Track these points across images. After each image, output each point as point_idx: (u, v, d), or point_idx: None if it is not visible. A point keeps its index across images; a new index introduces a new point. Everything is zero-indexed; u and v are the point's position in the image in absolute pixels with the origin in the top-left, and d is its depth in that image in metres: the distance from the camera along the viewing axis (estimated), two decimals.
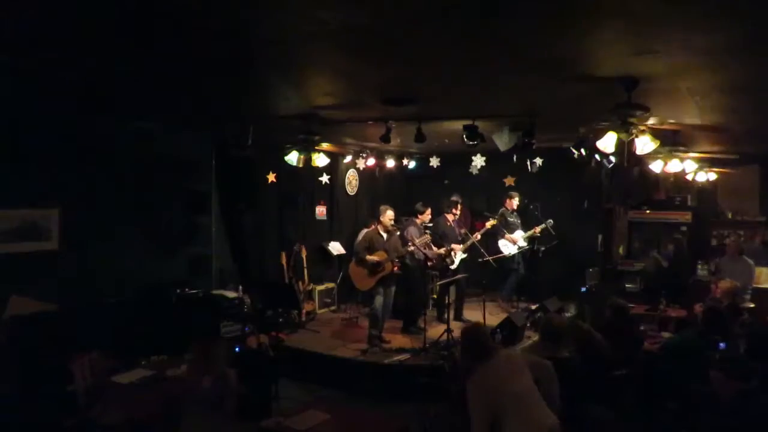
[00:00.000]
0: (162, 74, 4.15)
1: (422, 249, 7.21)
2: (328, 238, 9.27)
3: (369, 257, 6.67)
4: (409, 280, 7.56)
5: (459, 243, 7.73)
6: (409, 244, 7.02)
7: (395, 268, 7.04)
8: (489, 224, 8.01)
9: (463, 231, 7.97)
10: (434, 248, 7.58)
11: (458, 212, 8.09)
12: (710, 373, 4.20)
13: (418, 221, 7.55)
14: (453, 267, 7.66)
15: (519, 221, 8.60)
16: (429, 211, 7.62)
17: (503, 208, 8.57)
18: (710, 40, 3.04)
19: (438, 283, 8.21)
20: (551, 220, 8.25)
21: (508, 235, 8.33)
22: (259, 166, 7.75)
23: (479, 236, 7.89)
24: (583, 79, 3.91)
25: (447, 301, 7.23)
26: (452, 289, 7.65)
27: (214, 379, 3.29)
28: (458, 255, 7.69)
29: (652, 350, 5.02)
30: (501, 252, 8.33)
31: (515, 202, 8.60)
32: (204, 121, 6.51)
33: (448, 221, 7.95)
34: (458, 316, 7.89)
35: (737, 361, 4.37)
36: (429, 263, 7.53)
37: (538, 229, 8.32)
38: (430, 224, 8.17)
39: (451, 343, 6.44)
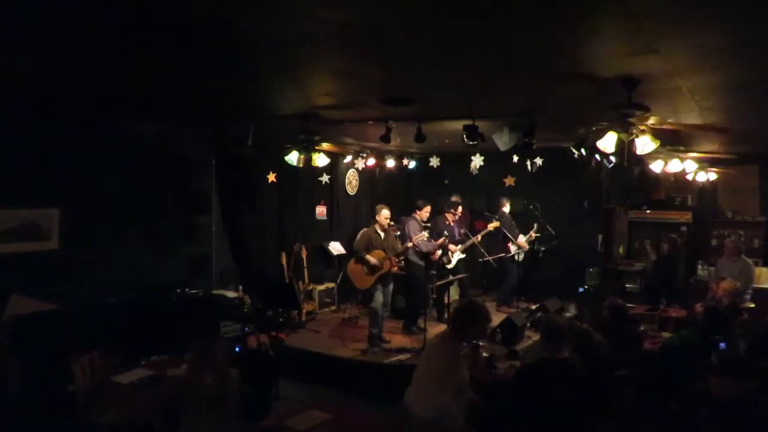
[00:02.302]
0: (162, 74, 4.15)
1: (420, 245, 7.20)
2: (328, 238, 9.27)
3: (368, 257, 6.69)
4: (411, 278, 7.56)
5: (456, 244, 7.73)
6: (408, 241, 7.03)
7: (394, 267, 7.04)
8: (491, 226, 8.02)
9: (462, 231, 7.97)
10: (432, 240, 7.57)
11: (459, 213, 8.10)
12: (711, 374, 4.20)
13: (417, 217, 7.54)
14: (449, 266, 7.66)
15: (514, 224, 8.65)
16: (429, 208, 7.62)
17: (502, 212, 8.61)
18: (711, 40, 3.04)
19: (438, 283, 8.22)
20: (536, 225, 8.31)
21: (518, 241, 8.36)
22: (259, 166, 7.75)
23: (480, 237, 7.89)
24: (583, 79, 3.91)
25: (447, 301, 7.23)
26: (453, 290, 7.65)
27: (214, 379, 3.29)
28: (456, 255, 7.69)
29: (652, 350, 5.02)
30: (502, 253, 8.34)
31: (507, 207, 8.69)
32: (204, 121, 6.50)
33: (447, 221, 7.95)
34: None
35: (738, 362, 4.37)
36: (431, 257, 7.54)
37: (533, 233, 8.36)
38: (428, 223, 8.18)
39: None
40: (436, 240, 7.63)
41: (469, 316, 3.66)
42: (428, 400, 3.42)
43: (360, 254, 6.78)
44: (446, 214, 7.99)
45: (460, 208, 8.07)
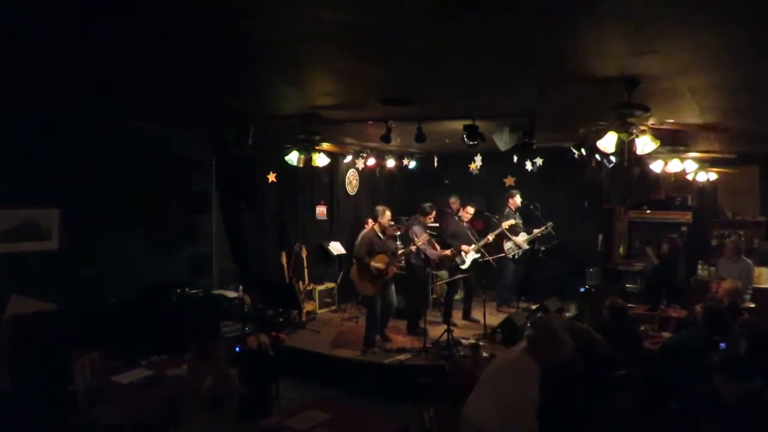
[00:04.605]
0: (162, 74, 4.15)
1: (423, 248, 7.19)
2: (328, 238, 9.27)
3: (373, 264, 6.62)
4: (413, 280, 7.54)
5: (470, 244, 7.72)
6: (412, 244, 7.02)
7: (396, 269, 7.02)
8: (506, 224, 8.06)
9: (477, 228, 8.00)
10: (437, 248, 7.55)
11: (470, 213, 8.12)
12: (713, 374, 4.20)
13: (423, 221, 7.44)
14: (464, 266, 7.66)
15: (521, 222, 8.60)
16: (434, 214, 7.57)
17: (507, 209, 8.55)
18: (711, 40, 3.04)
19: (438, 282, 8.21)
20: (551, 223, 8.23)
21: (515, 238, 8.34)
22: (259, 166, 7.74)
23: (492, 237, 7.93)
24: (583, 79, 3.91)
25: (451, 301, 7.23)
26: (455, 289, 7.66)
27: (214, 379, 3.29)
28: (470, 255, 7.68)
29: (652, 350, 5.02)
30: (503, 253, 8.34)
31: (518, 200, 8.59)
32: (204, 121, 6.51)
33: (462, 222, 7.98)
34: (467, 315, 7.92)
35: (739, 362, 4.35)
36: (432, 262, 7.54)
37: (537, 231, 8.34)
38: (436, 224, 8.15)
39: (452, 343, 6.45)
40: (448, 242, 7.62)
41: (545, 334, 3.49)
42: (517, 425, 3.17)
43: (364, 261, 6.66)
44: (461, 214, 8.01)
45: (470, 209, 8.07)
